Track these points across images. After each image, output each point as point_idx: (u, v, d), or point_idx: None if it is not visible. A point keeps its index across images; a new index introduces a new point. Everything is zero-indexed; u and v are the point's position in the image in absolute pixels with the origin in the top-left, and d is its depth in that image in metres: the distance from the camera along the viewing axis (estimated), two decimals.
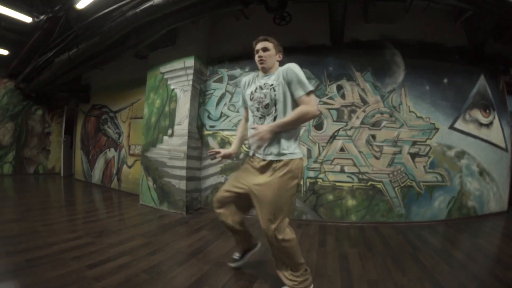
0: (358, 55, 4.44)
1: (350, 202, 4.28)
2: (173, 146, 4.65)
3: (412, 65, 4.41)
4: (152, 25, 4.13)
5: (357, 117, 4.36)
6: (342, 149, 4.34)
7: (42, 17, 4.80)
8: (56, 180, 7.73)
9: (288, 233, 1.98)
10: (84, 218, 3.97)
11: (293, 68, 1.97)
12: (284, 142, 1.98)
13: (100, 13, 4.25)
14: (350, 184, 4.30)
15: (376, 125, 4.33)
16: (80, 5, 4.36)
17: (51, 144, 8.93)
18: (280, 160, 1.96)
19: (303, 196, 4.40)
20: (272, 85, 2.05)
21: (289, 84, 1.97)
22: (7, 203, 4.51)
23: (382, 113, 4.35)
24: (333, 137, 4.37)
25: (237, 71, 4.87)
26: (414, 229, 3.85)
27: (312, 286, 2.04)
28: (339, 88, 4.42)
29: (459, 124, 4.46)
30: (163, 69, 4.96)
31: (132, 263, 2.50)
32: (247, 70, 4.78)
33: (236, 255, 2.49)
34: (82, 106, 8.22)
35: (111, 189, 6.62)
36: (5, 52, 6.68)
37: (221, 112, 4.93)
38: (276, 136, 1.97)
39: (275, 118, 2.02)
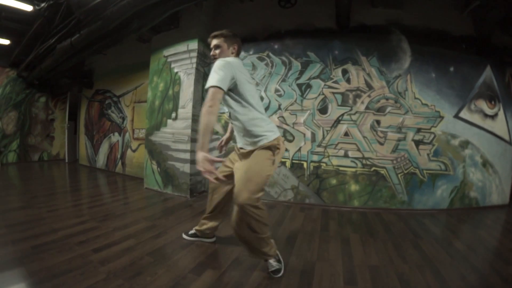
0: (364, 40, 4.38)
1: (353, 187, 4.28)
2: (177, 130, 4.66)
3: (418, 52, 4.34)
4: (155, 8, 4.07)
5: (362, 102, 4.32)
6: (346, 134, 4.32)
7: (43, 4, 4.74)
8: (60, 166, 7.78)
9: (259, 205, 2.00)
10: (89, 203, 4.00)
11: (218, 62, 1.97)
12: (254, 131, 2.05)
13: None
14: (353, 169, 4.29)
15: (381, 110, 4.30)
16: None
17: (55, 131, 8.93)
18: (258, 148, 2.06)
19: (306, 180, 4.41)
20: None
21: None
22: (12, 191, 4.54)
23: (387, 99, 4.31)
24: (337, 121, 4.35)
25: (241, 54, 4.79)
26: (416, 217, 3.86)
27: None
28: (344, 72, 4.37)
29: (464, 114, 4.42)
30: (166, 52, 4.92)
31: (136, 246, 2.53)
32: (251, 53, 4.73)
33: (192, 232, 2.76)
34: (85, 91, 8.20)
35: (116, 173, 6.67)
36: (6, 41, 6.63)
37: None
38: (244, 130, 2.07)
39: (230, 114, 2.16)
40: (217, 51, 2.18)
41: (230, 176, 2.29)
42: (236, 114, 2.06)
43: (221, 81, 1.87)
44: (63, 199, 4.17)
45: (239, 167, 2.11)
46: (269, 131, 2.07)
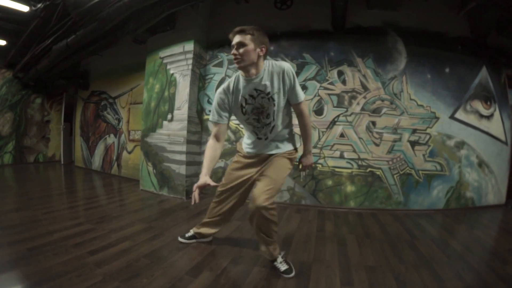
0: (359, 41, 4.40)
1: (349, 188, 4.30)
2: (172, 131, 4.65)
3: (414, 53, 4.37)
4: (151, 9, 4.08)
5: (358, 103, 4.34)
6: (342, 135, 4.34)
7: (39, 5, 4.71)
8: (56, 168, 7.73)
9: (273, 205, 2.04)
10: (85, 204, 3.98)
11: (292, 71, 1.96)
12: (283, 143, 2.18)
13: None
14: (349, 170, 4.31)
15: (376, 111, 4.32)
16: None
17: (51, 132, 8.88)
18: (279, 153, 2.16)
19: (302, 181, 4.41)
20: (269, 93, 1.98)
21: (289, 89, 1.98)
22: (8, 193, 4.50)
23: (382, 100, 4.33)
24: (333, 122, 4.37)
25: None
26: (412, 217, 3.88)
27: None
28: (340, 73, 4.39)
29: (459, 114, 4.45)
30: (162, 53, 4.92)
31: (133, 248, 2.51)
32: None
33: (190, 234, 2.70)
34: (81, 92, 8.17)
35: (111, 175, 6.64)
36: (2, 42, 6.60)
37: None
38: (276, 139, 2.15)
39: (272, 129, 2.09)
40: (242, 50, 1.85)
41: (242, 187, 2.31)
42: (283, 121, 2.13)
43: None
44: (59, 201, 4.14)
45: (267, 167, 2.15)
46: (293, 143, 2.27)
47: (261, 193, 1.95)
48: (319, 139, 4.39)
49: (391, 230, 3.32)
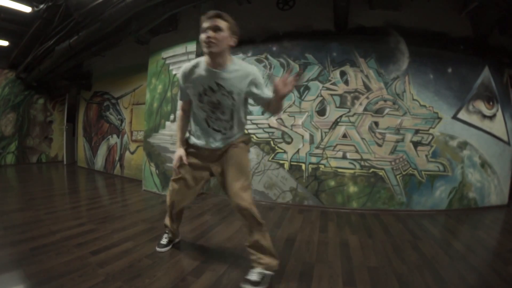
0: (362, 41, 4.39)
1: (352, 188, 4.28)
2: (175, 132, 4.62)
3: (416, 53, 4.35)
4: (153, 10, 4.09)
5: (360, 104, 4.33)
6: (344, 136, 4.33)
7: (41, 6, 4.75)
8: (59, 168, 7.77)
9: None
10: (87, 205, 3.99)
11: (260, 78, 1.98)
12: (236, 130, 2.12)
13: (100, 0, 4.20)
14: (352, 171, 4.30)
15: (379, 112, 4.31)
16: None
17: (54, 133, 8.91)
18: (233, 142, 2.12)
19: (305, 182, 4.41)
20: (230, 92, 1.94)
21: (254, 95, 1.98)
22: (11, 193, 4.53)
23: (385, 100, 4.32)
24: (335, 123, 4.36)
25: (239, 56, 4.82)
26: (415, 218, 3.86)
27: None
28: (343, 74, 4.38)
29: (462, 115, 4.43)
30: (164, 54, 4.93)
31: (135, 248, 2.52)
32: (249, 55, 4.75)
33: (164, 241, 2.57)
34: (83, 93, 8.20)
35: (114, 176, 6.66)
36: (5, 43, 6.64)
37: None
38: (231, 127, 2.09)
39: (231, 128, 2.09)
40: (218, 34, 1.77)
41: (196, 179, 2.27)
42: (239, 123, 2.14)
43: None
44: (61, 201, 4.15)
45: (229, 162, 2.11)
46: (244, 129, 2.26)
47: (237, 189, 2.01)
48: (322, 139, 4.38)
49: (394, 230, 3.31)
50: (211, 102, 1.98)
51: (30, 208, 3.61)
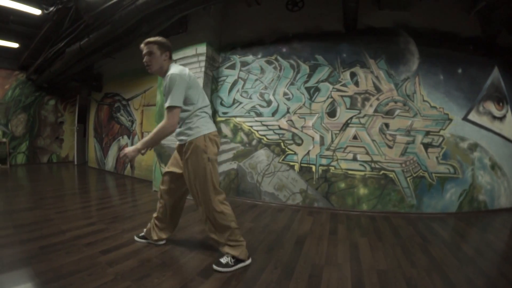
0: (371, 42, 4.36)
1: (362, 190, 4.25)
2: None
3: (426, 54, 4.31)
4: (164, 12, 4.12)
5: (371, 105, 4.30)
6: (355, 137, 4.30)
7: (51, 8, 4.79)
8: (69, 168, 7.87)
9: (223, 207, 2.24)
10: (98, 205, 4.04)
11: (171, 77, 2.08)
12: (187, 126, 2.20)
13: (111, 2, 4.23)
14: (362, 173, 4.26)
15: (389, 113, 4.27)
16: None
17: (64, 133, 9.05)
18: (186, 143, 2.22)
19: (315, 184, 4.39)
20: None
21: (166, 93, 2.12)
22: (21, 192, 4.60)
23: (395, 102, 4.28)
24: (346, 124, 4.33)
25: (249, 58, 4.86)
26: (425, 221, 3.81)
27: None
28: (353, 75, 4.36)
29: (472, 116, 4.36)
30: (175, 56, 4.90)
31: (145, 248, 2.54)
32: (259, 56, 4.76)
33: (141, 234, 2.72)
34: (94, 94, 8.31)
35: (125, 176, 6.72)
36: (15, 45, 6.76)
37: (234, 99, 4.94)
38: (182, 124, 2.22)
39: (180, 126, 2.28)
40: (150, 58, 2.19)
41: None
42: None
43: None
44: (71, 200, 4.20)
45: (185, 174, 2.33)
46: (202, 125, 2.26)
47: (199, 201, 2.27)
48: (332, 141, 4.36)
49: (404, 233, 3.27)
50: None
51: (40, 207, 3.66)
